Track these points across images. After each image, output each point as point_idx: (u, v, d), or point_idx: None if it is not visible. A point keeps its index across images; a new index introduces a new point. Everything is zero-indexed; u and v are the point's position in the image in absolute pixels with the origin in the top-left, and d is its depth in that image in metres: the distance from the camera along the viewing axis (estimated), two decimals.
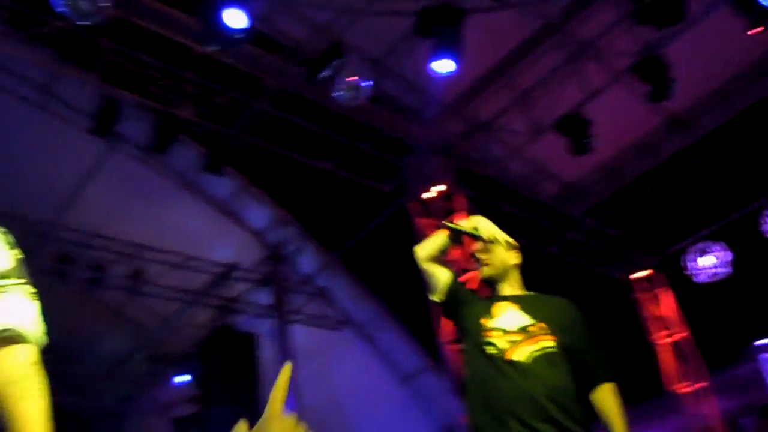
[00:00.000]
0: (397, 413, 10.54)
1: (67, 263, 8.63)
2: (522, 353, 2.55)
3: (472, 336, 2.70)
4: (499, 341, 2.60)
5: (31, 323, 1.52)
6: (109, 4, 5.51)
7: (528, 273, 2.90)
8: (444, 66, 6.41)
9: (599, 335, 2.77)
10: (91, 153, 8.41)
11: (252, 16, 5.84)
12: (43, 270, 8.01)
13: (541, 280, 3.05)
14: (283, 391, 0.77)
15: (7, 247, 1.56)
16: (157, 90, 6.95)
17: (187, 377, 10.54)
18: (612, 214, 10.22)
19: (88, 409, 11.46)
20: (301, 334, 9.72)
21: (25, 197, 8.28)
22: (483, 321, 2.69)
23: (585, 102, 7.62)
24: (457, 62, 6.34)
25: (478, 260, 2.86)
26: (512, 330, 2.63)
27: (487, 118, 8.28)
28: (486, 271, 2.83)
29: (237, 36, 5.79)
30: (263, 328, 9.81)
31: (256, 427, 0.76)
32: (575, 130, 7.62)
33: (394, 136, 8.36)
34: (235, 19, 5.74)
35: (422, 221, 8.45)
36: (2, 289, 1.50)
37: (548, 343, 2.60)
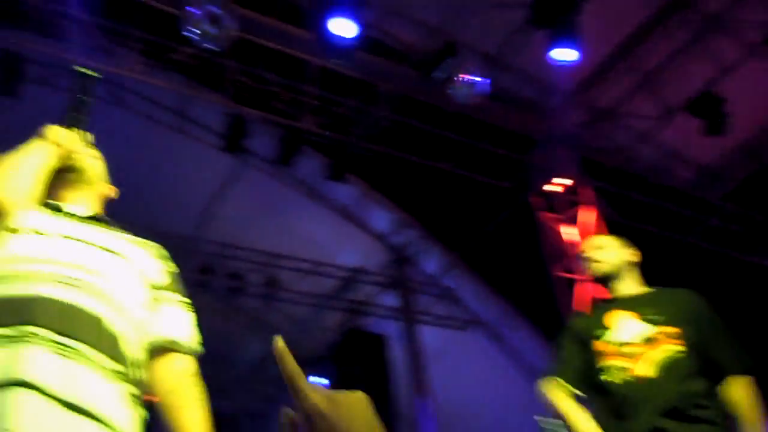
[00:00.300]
0: (530, 413, 10.31)
1: (208, 274, 9.18)
2: (647, 366, 2.39)
3: (595, 369, 2.53)
4: (618, 361, 2.45)
5: (188, 334, 1.64)
6: (233, 27, 5.81)
7: (668, 265, 2.74)
8: (565, 55, 6.22)
9: (731, 326, 2.55)
10: (223, 169, 8.90)
11: (363, 23, 5.96)
12: (187, 281, 8.54)
13: (682, 271, 2.87)
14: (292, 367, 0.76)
15: (163, 262, 1.69)
16: (280, 105, 7.25)
17: (322, 379, 10.88)
18: (754, 197, 9.47)
19: (235, 410, 12.11)
20: (429, 335, 9.76)
21: (166, 213, 8.89)
22: (597, 345, 2.53)
23: (717, 79, 7.13)
24: (578, 50, 6.14)
25: (587, 258, 2.70)
26: (632, 341, 2.47)
27: (611, 104, 7.94)
28: (598, 269, 2.67)
29: (348, 45, 5.93)
30: (392, 329, 9.94)
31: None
32: (709, 109, 7.15)
33: (514, 130, 8.21)
34: (344, 28, 5.87)
35: (546, 216, 8.23)
36: (160, 303, 1.63)
37: (673, 347, 2.42)
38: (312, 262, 9.72)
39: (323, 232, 9.94)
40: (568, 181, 8.15)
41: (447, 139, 8.06)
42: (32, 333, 1.32)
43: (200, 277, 8.96)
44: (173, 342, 1.60)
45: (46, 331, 1.33)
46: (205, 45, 5.95)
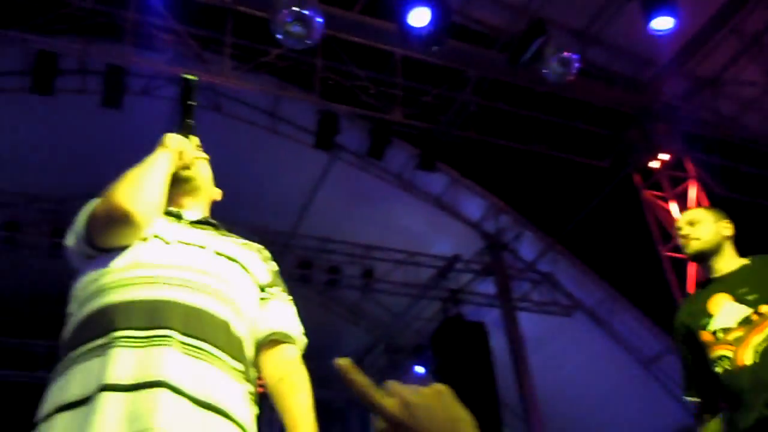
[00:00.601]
0: (637, 400, 9.96)
1: (306, 268, 9.42)
2: (746, 353, 2.26)
3: (707, 362, 2.41)
4: (723, 350, 2.33)
5: (293, 326, 1.71)
6: (319, 25, 5.91)
7: None
8: (663, 23, 5.93)
9: None
10: (316, 165, 9.09)
11: (446, 10, 5.90)
12: (287, 276, 8.81)
13: None
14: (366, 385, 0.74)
15: (265, 261, 1.77)
16: (368, 98, 7.31)
17: (421, 368, 10.95)
18: None
19: (338, 400, 12.39)
20: (529, 322, 9.60)
21: (265, 211, 9.17)
22: (704, 335, 2.41)
23: None
24: (675, 17, 5.83)
25: (684, 236, 2.55)
26: (733, 327, 2.33)
27: (713, 73, 7.51)
28: (694, 246, 2.52)
29: (432, 33, 5.90)
30: (491, 317, 9.85)
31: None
32: None
33: (609, 107, 7.92)
34: (426, 17, 5.84)
35: (649, 194, 7.90)
36: (267, 300, 1.70)
37: None
38: (407, 253, 9.78)
39: (417, 222, 9.97)
40: (670, 157, 7.78)
41: (538, 120, 7.88)
42: (164, 335, 1.38)
43: (299, 272, 9.20)
44: (282, 334, 1.66)
45: (176, 333, 1.39)
46: (293, 45, 6.08)
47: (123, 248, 1.53)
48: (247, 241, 1.80)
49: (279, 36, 5.96)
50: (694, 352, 2.46)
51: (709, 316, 2.41)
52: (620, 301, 9.89)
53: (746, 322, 2.31)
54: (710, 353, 2.38)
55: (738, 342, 2.29)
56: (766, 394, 2.20)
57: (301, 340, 1.71)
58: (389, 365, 11.79)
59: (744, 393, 2.24)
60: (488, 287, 9.96)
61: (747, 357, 2.26)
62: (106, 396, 1.29)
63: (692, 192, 7.69)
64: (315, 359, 1.67)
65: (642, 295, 9.60)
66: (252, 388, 1.52)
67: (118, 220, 1.51)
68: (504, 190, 9.63)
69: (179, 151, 1.71)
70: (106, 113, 6.80)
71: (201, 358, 1.40)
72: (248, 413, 1.46)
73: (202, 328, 1.44)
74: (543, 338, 10.06)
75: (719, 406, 2.45)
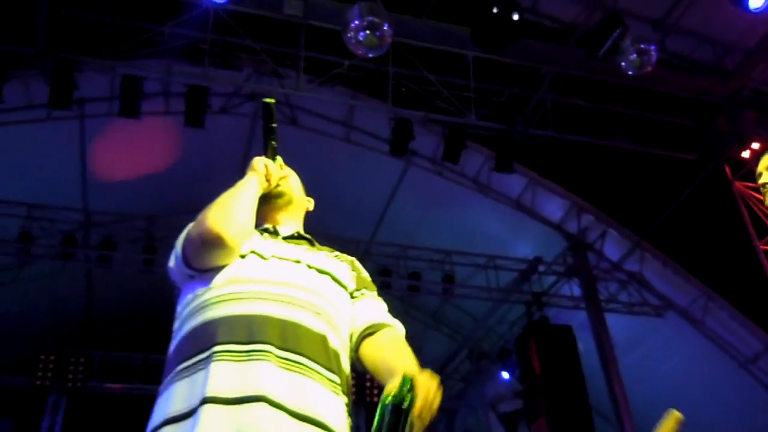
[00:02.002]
0: (736, 402, 9.46)
1: (387, 276, 9.46)
2: None
3: None
4: None
5: (388, 318, 1.72)
6: (390, 33, 5.95)
7: None
8: (757, 1, 5.66)
9: None
10: (392, 172, 9.14)
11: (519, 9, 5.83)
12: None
13: None
14: None
15: (355, 270, 1.80)
16: (441, 102, 7.29)
17: (505, 373, 10.77)
18: None
19: None
20: (618, 324, 9.29)
21: (343, 220, 9.28)
22: None
23: None
24: None
25: None
26: None
27: None
28: None
29: (503, 32, 5.83)
30: (577, 319, 9.59)
31: None
32: None
33: (693, 97, 7.59)
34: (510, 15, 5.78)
35: (740, 186, 7.52)
36: (357, 297, 1.74)
37: None
38: (487, 256, 9.67)
39: (496, 225, 9.84)
40: (760, 145, 7.38)
41: (618, 114, 7.64)
42: (262, 350, 1.42)
43: (379, 279, 9.25)
44: (380, 324, 1.68)
45: (274, 347, 1.43)
46: (365, 54, 6.14)
47: (222, 267, 1.59)
48: (339, 253, 1.85)
49: (351, 47, 6.04)
50: None
51: None
52: (714, 299, 9.43)
53: None
54: None
55: None
56: None
57: (401, 327, 1.72)
58: (473, 371, 11.67)
59: None
60: (573, 289, 9.71)
61: None
62: (209, 408, 1.34)
63: None
64: None
65: (737, 291, 9.13)
66: (347, 400, 1.54)
67: (210, 244, 1.56)
68: (585, 188, 9.38)
69: (266, 172, 1.77)
70: (190, 132, 7.06)
71: (298, 372, 1.44)
72: (345, 425, 1.48)
73: (298, 342, 1.48)
74: (633, 340, 9.71)
75: None
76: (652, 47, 6.18)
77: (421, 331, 11.55)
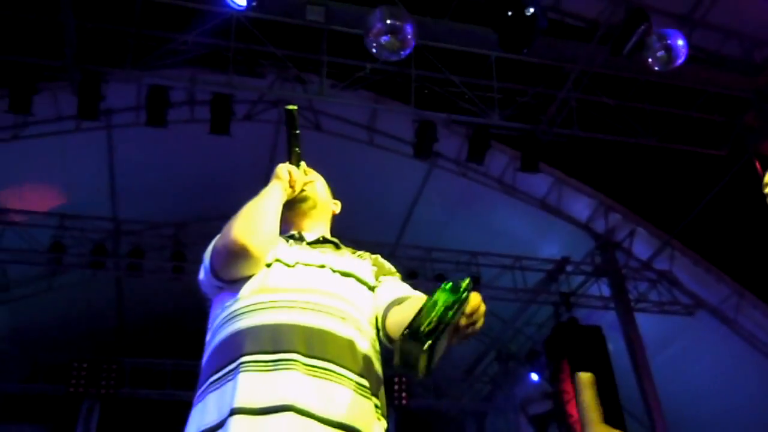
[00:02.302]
0: None
1: (413, 278, 9.44)
2: None
3: None
4: None
5: (413, 291, 1.71)
6: (412, 36, 5.95)
7: None
8: None
9: None
10: (416, 175, 9.13)
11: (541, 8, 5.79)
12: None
13: None
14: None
15: (376, 264, 1.81)
16: (465, 104, 7.27)
17: (534, 375, 10.69)
18: None
19: (453, 409, 12.31)
20: (648, 323, 9.16)
21: (368, 224, 9.28)
22: None
23: None
24: None
25: None
26: None
27: None
28: None
29: (525, 33, 5.79)
30: (607, 320, 9.48)
31: None
32: None
33: (720, 92, 7.47)
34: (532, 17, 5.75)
35: None
36: (380, 282, 1.74)
37: None
38: (513, 257, 9.61)
39: (522, 225, 9.78)
40: None
41: (644, 111, 7.55)
42: (289, 359, 1.43)
43: (406, 282, 9.22)
44: (404, 297, 1.66)
45: (300, 356, 1.44)
46: (387, 58, 6.15)
47: (249, 277, 1.61)
48: (362, 252, 1.85)
49: (373, 50, 6.04)
50: None
51: None
52: (746, 297, 9.25)
53: None
54: None
55: None
56: None
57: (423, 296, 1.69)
58: (502, 373, 11.60)
59: None
60: (602, 289, 9.61)
61: None
62: (238, 419, 1.35)
63: None
64: None
65: None
66: (378, 402, 1.54)
67: (236, 255, 1.58)
68: (612, 187, 9.28)
69: (290, 179, 1.78)
70: (215, 139, 7.13)
71: (326, 378, 1.44)
72: (377, 427, 1.49)
73: (325, 348, 1.48)
74: (664, 340, 9.57)
75: None
76: (680, 43, 6.09)
77: None
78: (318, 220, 1.88)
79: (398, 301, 1.64)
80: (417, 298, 1.61)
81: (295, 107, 1.82)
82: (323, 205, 1.90)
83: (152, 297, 10.03)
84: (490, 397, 12.07)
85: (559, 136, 7.57)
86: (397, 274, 1.84)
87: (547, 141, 7.59)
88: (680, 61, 6.14)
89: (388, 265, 1.85)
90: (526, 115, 7.48)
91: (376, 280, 1.76)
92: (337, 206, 1.97)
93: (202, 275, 1.70)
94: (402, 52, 6.05)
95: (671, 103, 7.62)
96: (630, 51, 6.22)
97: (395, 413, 10.87)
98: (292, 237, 1.79)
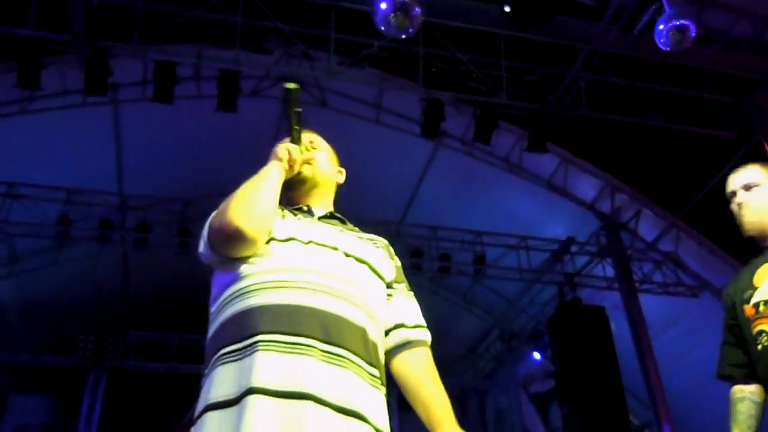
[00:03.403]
0: None
1: (417, 257, 9.47)
2: None
3: (749, 340, 2.16)
4: (765, 324, 2.07)
5: (419, 321, 1.76)
6: (420, 13, 5.90)
7: None
8: None
9: None
10: (423, 153, 9.11)
11: None
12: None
13: None
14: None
15: (391, 258, 1.81)
16: (472, 82, 7.23)
17: (537, 354, 10.75)
18: None
19: (455, 386, 12.41)
20: (652, 304, 9.18)
21: (373, 202, 9.30)
22: (746, 309, 2.15)
23: None
24: None
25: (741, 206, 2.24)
26: None
27: None
28: (747, 224, 2.27)
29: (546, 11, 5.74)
30: (611, 300, 9.51)
31: None
32: None
33: (730, 73, 7.41)
34: None
35: None
36: (391, 295, 1.74)
37: None
38: (519, 237, 9.62)
39: (528, 205, 9.77)
40: None
41: (653, 92, 7.49)
42: (307, 344, 1.44)
43: (410, 260, 9.27)
44: (414, 341, 1.73)
45: (317, 341, 1.45)
46: (395, 35, 6.11)
47: (254, 254, 1.60)
48: (373, 236, 1.84)
49: (382, 28, 6.00)
50: (737, 328, 2.23)
51: (754, 288, 2.17)
52: None
53: None
54: (752, 329, 2.13)
55: None
56: None
57: (428, 336, 1.77)
58: (505, 351, 11.67)
59: None
60: (607, 270, 9.62)
61: None
62: (257, 399, 1.36)
63: None
64: (431, 347, 1.70)
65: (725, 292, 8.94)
66: (385, 390, 1.56)
67: (231, 236, 1.56)
68: (619, 167, 9.23)
69: (290, 158, 1.74)
70: (221, 115, 7.13)
71: (341, 365, 1.46)
72: (385, 418, 1.51)
73: (341, 335, 1.49)
74: (668, 321, 9.60)
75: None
76: (690, 22, 6.02)
77: (452, 311, 11.57)
78: (322, 197, 1.85)
79: (410, 346, 1.72)
80: (426, 374, 1.71)
81: (296, 86, 1.77)
82: (326, 180, 1.86)
83: (158, 272, 10.10)
84: (492, 375, 12.16)
85: (566, 116, 7.54)
86: (403, 276, 1.85)
87: (555, 120, 7.56)
88: (690, 41, 6.08)
89: (397, 260, 1.85)
90: (534, 95, 7.43)
91: (396, 280, 1.77)
92: (342, 175, 1.93)
93: (202, 248, 1.68)
94: (410, 30, 6.00)
95: (681, 83, 7.57)
96: (640, 31, 6.17)
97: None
98: (300, 210, 1.77)
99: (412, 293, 1.81)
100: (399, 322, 1.71)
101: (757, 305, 2.13)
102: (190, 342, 9.63)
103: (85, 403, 9.46)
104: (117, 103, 7.98)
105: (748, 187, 2.27)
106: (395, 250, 1.88)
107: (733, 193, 2.31)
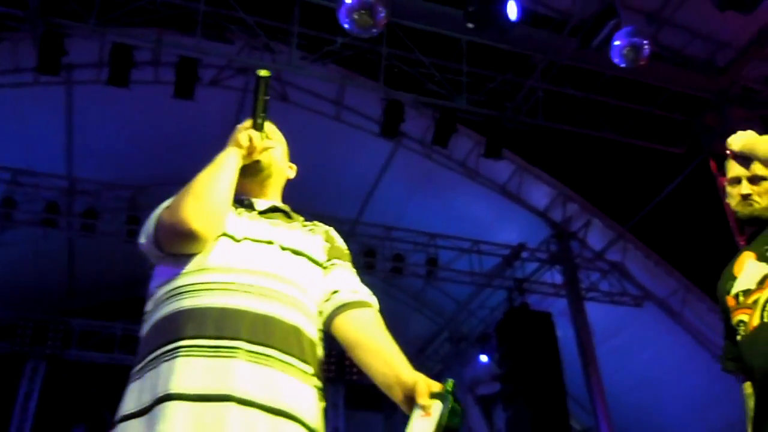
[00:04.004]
0: (710, 393, 9.63)
1: (371, 256, 9.49)
2: (758, 315, 2.04)
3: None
4: (744, 314, 2.09)
5: (361, 290, 1.70)
6: (385, 13, 5.91)
7: None
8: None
9: None
10: (380, 153, 9.13)
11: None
12: (352, 264, 8.91)
13: None
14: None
15: (329, 241, 1.78)
16: (434, 86, 7.27)
17: (484, 357, 10.88)
18: None
19: None
20: (597, 313, 9.40)
21: (329, 199, 9.28)
22: (728, 300, 2.18)
23: None
24: None
25: (747, 197, 2.24)
26: (752, 288, 2.09)
27: None
28: (755, 210, 2.22)
29: (499, 18, 5.82)
30: (558, 307, 9.70)
31: None
32: None
33: (682, 91, 7.63)
34: (511, 8, 5.78)
35: (724, 181, 7.58)
36: (328, 268, 1.70)
37: None
38: (472, 241, 9.72)
39: (482, 210, 9.88)
40: None
41: (607, 106, 7.67)
42: (231, 347, 1.40)
43: (363, 260, 9.28)
44: (356, 302, 1.65)
45: (244, 342, 1.41)
46: (359, 33, 6.10)
47: (193, 253, 1.55)
48: (315, 224, 1.81)
49: (345, 25, 5.99)
50: (727, 321, 2.25)
51: (734, 278, 2.19)
52: (693, 291, 9.56)
53: (763, 282, 2.08)
54: (733, 319, 2.16)
55: (756, 304, 2.07)
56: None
57: (375, 301, 1.69)
58: (453, 353, 11.78)
59: (754, 363, 2.02)
60: (555, 277, 9.80)
61: (756, 318, 2.04)
62: (172, 404, 1.33)
63: None
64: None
65: (716, 286, 9.24)
66: (320, 384, 1.54)
67: (183, 236, 1.51)
68: (572, 177, 9.43)
69: (250, 146, 1.69)
70: (178, 103, 7.00)
71: (269, 365, 1.42)
72: (317, 414, 1.48)
73: (270, 335, 1.45)
74: (612, 329, 9.83)
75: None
76: (646, 41, 6.19)
77: (403, 312, 11.61)
78: (272, 188, 1.80)
79: (348, 305, 1.63)
80: (376, 329, 1.61)
81: (269, 74, 1.73)
82: (279, 172, 1.82)
83: (105, 259, 9.86)
84: (440, 376, 12.22)
85: (523, 124, 7.65)
86: (347, 253, 1.80)
87: (512, 128, 7.66)
88: (644, 59, 6.24)
89: (339, 241, 1.81)
90: (493, 102, 7.52)
91: (328, 260, 1.72)
92: (293, 171, 1.89)
93: (143, 240, 1.62)
94: (373, 30, 6.01)
95: (635, 99, 7.76)
96: (598, 45, 6.30)
97: (345, 388, 10.97)
98: (241, 203, 1.71)
99: (353, 270, 1.76)
100: (334, 289, 1.65)
101: (737, 296, 2.16)
102: (134, 333, 9.36)
103: (21, 391, 9.19)
104: (71, 84, 7.76)
105: (755, 180, 2.27)
106: (349, 249, 1.85)
107: (736, 179, 2.31)
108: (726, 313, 2.24)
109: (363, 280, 1.76)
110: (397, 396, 1.47)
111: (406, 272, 9.88)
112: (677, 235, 9.26)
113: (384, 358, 1.54)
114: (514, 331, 9.41)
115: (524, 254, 9.85)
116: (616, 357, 9.57)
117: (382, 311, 1.69)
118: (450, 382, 1.40)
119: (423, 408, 1.37)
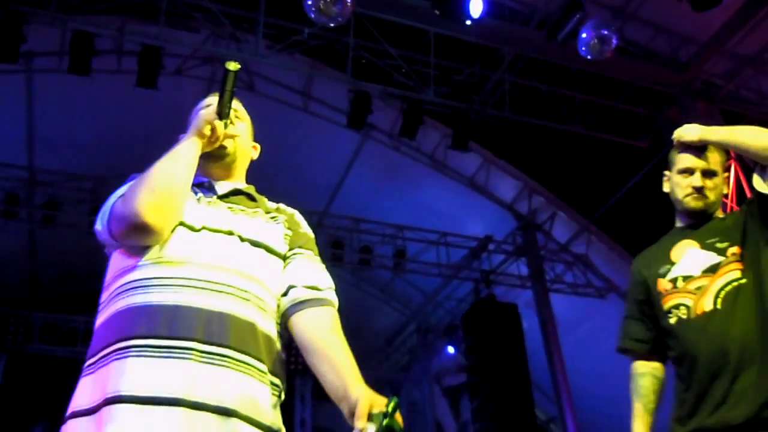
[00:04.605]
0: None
1: (338, 248, 9.46)
2: (709, 301, 2.10)
3: (659, 314, 2.26)
4: (685, 297, 2.15)
5: (321, 279, 1.65)
6: (352, 3, 5.87)
7: None
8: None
9: None
10: (348, 145, 9.09)
11: None
12: (319, 256, 8.87)
13: None
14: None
15: (292, 227, 1.73)
16: (401, 77, 7.26)
17: (451, 348, 10.97)
18: None
19: (370, 378, 12.46)
20: (562, 304, 9.53)
21: (296, 191, 9.17)
22: (660, 284, 2.24)
23: None
24: None
25: (701, 190, 2.31)
26: (696, 275, 2.16)
27: (754, 51, 7.29)
28: (705, 204, 2.29)
29: (467, 11, 5.83)
30: (523, 298, 9.80)
31: None
32: None
33: (646, 86, 7.75)
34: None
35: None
36: (290, 257, 1.66)
37: (735, 273, 2.10)
38: (439, 233, 9.76)
39: (449, 202, 9.93)
40: None
41: (573, 99, 7.75)
42: (186, 347, 1.36)
43: (332, 252, 9.25)
44: (305, 299, 1.59)
45: (197, 343, 1.37)
46: (326, 23, 6.06)
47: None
48: (279, 208, 1.76)
49: (311, 14, 5.94)
50: (645, 304, 2.34)
51: (671, 263, 2.25)
52: None
53: (712, 270, 2.14)
54: (664, 303, 2.22)
55: (701, 290, 2.14)
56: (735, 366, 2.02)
57: (333, 297, 1.64)
58: (420, 345, 11.83)
59: (700, 346, 2.09)
60: (521, 268, 9.90)
61: (707, 303, 2.11)
62: (118, 407, 1.30)
63: (732, 172, 7.52)
64: (347, 339, 1.63)
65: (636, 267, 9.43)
66: (278, 380, 1.51)
67: (134, 228, 1.47)
68: (538, 170, 9.53)
69: (212, 136, 1.63)
70: (141, 93, 6.87)
71: (222, 365, 1.39)
72: (272, 413, 1.46)
73: (224, 334, 1.41)
74: (576, 320, 9.97)
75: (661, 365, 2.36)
76: (611, 34, 6.27)
77: (370, 304, 11.63)
78: (234, 171, 1.73)
79: (304, 303, 1.57)
80: (332, 334, 1.54)
81: (238, 66, 1.67)
82: (243, 154, 1.75)
83: (67, 251, 9.66)
84: (407, 368, 12.31)
85: (490, 117, 7.69)
86: (311, 238, 1.75)
87: (479, 121, 7.70)
88: (610, 51, 6.32)
89: (303, 227, 1.76)
90: (460, 94, 7.55)
91: (290, 249, 1.66)
92: (256, 150, 1.83)
93: (99, 227, 1.57)
94: (339, 18, 5.97)
95: (600, 92, 7.85)
96: (564, 38, 6.36)
97: (313, 380, 10.93)
98: (201, 186, 1.64)
99: (318, 259, 1.71)
100: (291, 284, 1.60)
101: (674, 280, 2.22)
102: None
103: None
104: (31, 72, 7.56)
105: (708, 174, 2.33)
106: (317, 241, 1.81)
107: (690, 170, 2.38)
108: (644, 294, 2.33)
109: (331, 273, 1.72)
110: (344, 411, 1.41)
111: (374, 264, 9.89)
112: (640, 228, 9.40)
113: (336, 369, 1.48)
114: (480, 323, 9.49)
115: (491, 246, 9.93)
116: (581, 347, 9.72)
117: (350, 303, 1.66)
118: (393, 402, 1.35)
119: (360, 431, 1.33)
